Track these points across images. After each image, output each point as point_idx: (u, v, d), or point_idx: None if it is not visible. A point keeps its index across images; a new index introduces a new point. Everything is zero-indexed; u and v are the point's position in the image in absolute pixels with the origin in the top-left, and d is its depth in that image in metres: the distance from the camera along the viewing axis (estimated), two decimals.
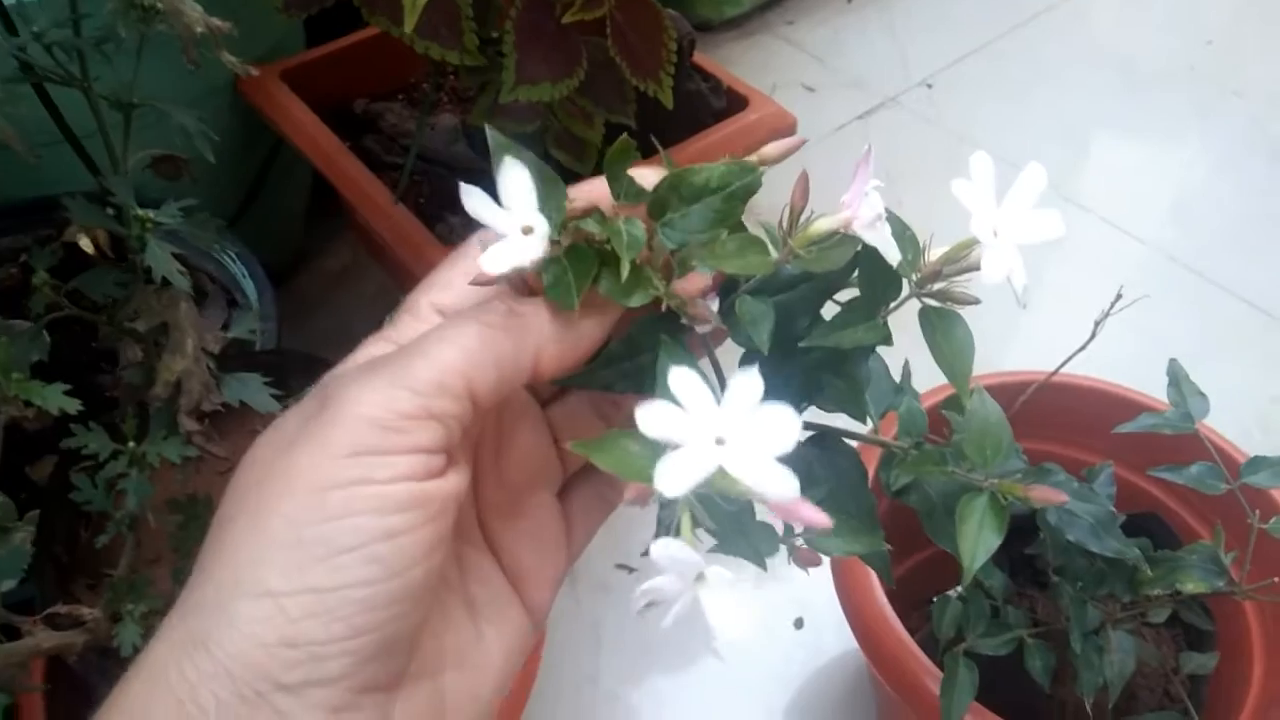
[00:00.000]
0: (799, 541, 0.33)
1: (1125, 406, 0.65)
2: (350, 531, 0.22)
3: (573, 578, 0.78)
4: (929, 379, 0.42)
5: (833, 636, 0.75)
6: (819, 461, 0.34)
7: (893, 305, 0.31)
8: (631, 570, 0.89)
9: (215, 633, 0.22)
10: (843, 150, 1.09)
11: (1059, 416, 0.68)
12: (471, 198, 0.25)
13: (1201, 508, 0.65)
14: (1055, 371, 0.63)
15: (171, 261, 0.38)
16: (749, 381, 0.23)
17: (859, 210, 0.26)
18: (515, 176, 0.25)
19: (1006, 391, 0.66)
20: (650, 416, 0.22)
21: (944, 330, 0.29)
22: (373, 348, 0.27)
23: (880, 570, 0.33)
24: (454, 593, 0.28)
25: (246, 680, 0.21)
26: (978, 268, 0.29)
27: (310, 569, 0.22)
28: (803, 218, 0.28)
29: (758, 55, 1.25)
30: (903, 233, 0.30)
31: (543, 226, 0.25)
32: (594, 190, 0.27)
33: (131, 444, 0.37)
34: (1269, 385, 0.91)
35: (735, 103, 0.78)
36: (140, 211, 0.39)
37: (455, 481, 0.24)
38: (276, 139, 0.83)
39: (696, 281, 0.26)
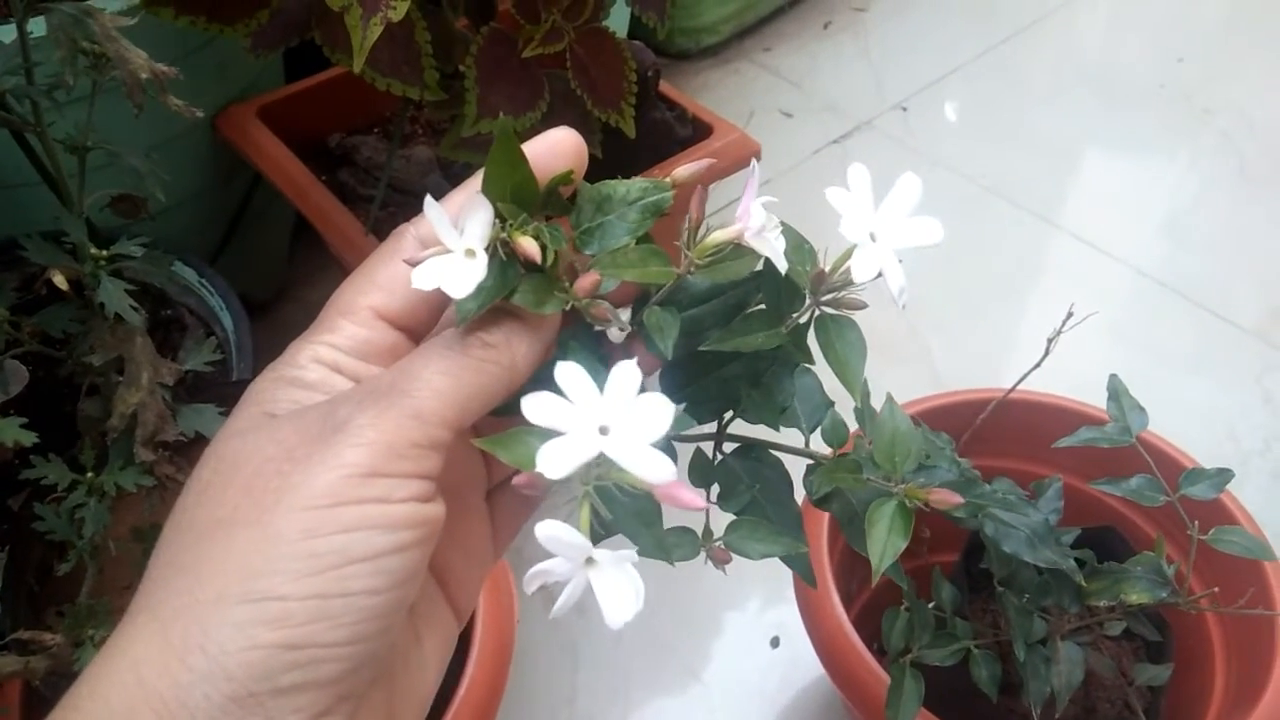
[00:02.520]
0: (719, 544, 0.34)
1: (1083, 421, 0.66)
2: (363, 543, 0.23)
3: (549, 599, 0.78)
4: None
5: (809, 655, 0.75)
6: (744, 471, 0.36)
7: (796, 316, 0.32)
8: None
9: (216, 634, 0.23)
10: (818, 175, 1.11)
11: (1022, 433, 0.70)
12: (432, 210, 0.27)
13: (1164, 521, 0.66)
14: (1013, 389, 0.64)
15: (124, 297, 0.40)
16: (627, 373, 0.25)
17: (749, 222, 0.28)
18: (482, 213, 0.27)
19: (969, 409, 0.68)
20: (535, 406, 0.24)
21: (838, 335, 0.31)
22: (313, 350, 0.27)
23: (802, 572, 0.34)
24: None
25: (243, 681, 0.22)
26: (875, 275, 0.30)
27: (321, 576, 0.23)
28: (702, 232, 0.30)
29: (736, 82, 1.27)
30: (800, 245, 0.32)
31: (483, 260, 0.27)
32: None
33: (90, 474, 0.39)
34: (1238, 396, 0.91)
35: (700, 130, 0.80)
36: (94, 249, 0.40)
37: (442, 507, 0.26)
38: (256, 174, 0.84)
39: (587, 279, 0.27)
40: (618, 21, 0.90)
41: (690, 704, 0.73)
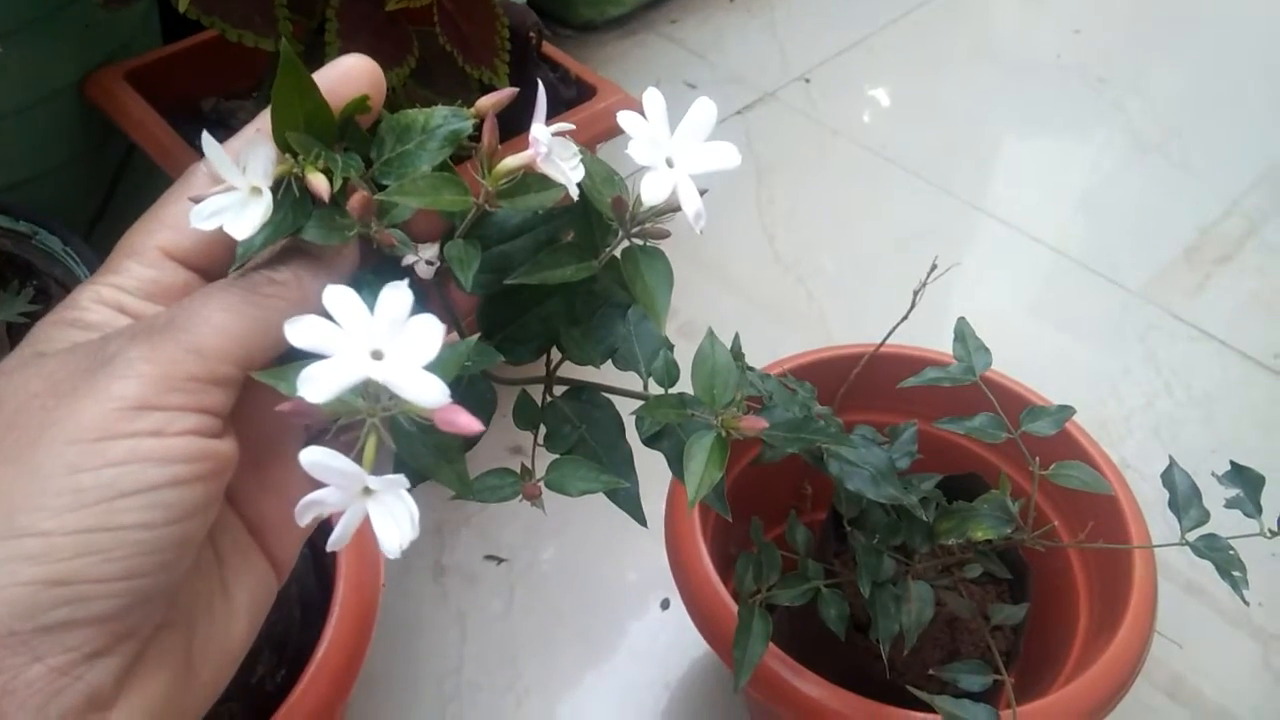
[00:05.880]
0: (537, 482, 0.34)
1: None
2: (133, 476, 0.23)
3: (440, 569, 0.77)
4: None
5: None
6: (572, 413, 0.36)
7: (609, 249, 0.32)
8: (500, 561, 0.88)
9: None
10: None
11: (895, 386, 0.70)
12: (211, 148, 0.26)
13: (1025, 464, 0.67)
14: (882, 343, 0.65)
15: None
16: (395, 295, 0.24)
17: (539, 148, 0.28)
18: (263, 149, 0.27)
19: (847, 363, 0.68)
20: (300, 329, 0.23)
21: (647, 265, 0.31)
22: (95, 291, 0.27)
23: (630, 510, 0.34)
24: (204, 545, 0.28)
25: (3, 619, 0.21)
26: (677, 207, 0.30)
27: (87, 510, 0.22)
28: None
29: (641, 54, 1.26)
30: (610, 177, 0.31)
31: (268, 198, 0.26)
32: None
33: None
34: (1123, 356, 0.94)
35: (585, 91, 0.79)
36: None
37: (233, 444, 0.25)
38: (131, 140, 0.82)
39: (357, 197, 0.27)
40: None
41: (580, 669, 0.73)
